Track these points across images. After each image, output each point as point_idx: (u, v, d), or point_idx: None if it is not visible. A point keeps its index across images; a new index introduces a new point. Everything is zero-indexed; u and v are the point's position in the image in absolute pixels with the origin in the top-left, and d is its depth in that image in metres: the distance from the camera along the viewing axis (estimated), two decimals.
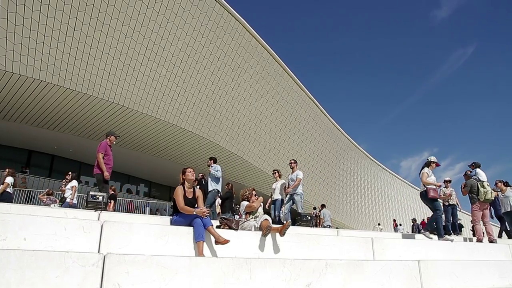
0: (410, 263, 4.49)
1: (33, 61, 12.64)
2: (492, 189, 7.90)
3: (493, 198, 7.89)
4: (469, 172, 8.64)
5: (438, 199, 7.15)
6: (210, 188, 9.15)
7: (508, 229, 9.95)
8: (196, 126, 17.88)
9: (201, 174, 10.76)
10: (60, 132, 17.35)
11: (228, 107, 18.86)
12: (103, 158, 7.17)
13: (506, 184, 8.70)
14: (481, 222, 7.84)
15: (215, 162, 9.49)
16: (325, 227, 14.33)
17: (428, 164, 7.24)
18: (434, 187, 6.96)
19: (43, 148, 20.07)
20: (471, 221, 7.97)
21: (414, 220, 20.59)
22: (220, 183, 9.32)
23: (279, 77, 20.74)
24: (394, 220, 26.47)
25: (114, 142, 7.56)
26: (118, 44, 14.18)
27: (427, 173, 7.09)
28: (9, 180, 9.09)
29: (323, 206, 16.05)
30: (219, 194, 9.44)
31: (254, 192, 5.84)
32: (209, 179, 9.26)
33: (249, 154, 20.82)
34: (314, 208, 18.17)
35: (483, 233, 8.11)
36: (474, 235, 8.97)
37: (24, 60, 12.46)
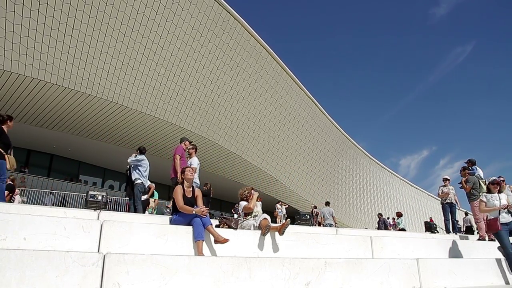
0: (408, 261, 4.51)
1: (32, 60, 12.62)
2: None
3: None
4: (468, 170, 8.64)
5: (500, 230, 5.41)
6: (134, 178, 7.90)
7: None
8: (194, 125, 17.88)
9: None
10: (59, 132, 17.33)
11: (227, 106, 18.87)
12: (179, 160, 7.10)
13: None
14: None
15: (141, 152, 8.31)
16: (324, 225, 14.20)
17: (487, 190, 6.03)
18: (494, 215, 5.62)
19: (42, 148, 20.06)
20: (475, 219, 7.93)
21: (380, 215, 19.36)
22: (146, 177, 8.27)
23: (278, 75, 20.75)
24: (394, 219, 26.47)
25: (190, 147, 7.50)
26: (117, 43, 14.16)
27: (484, 202, 5.91)
28: None
29: (327, 203, 15.61)
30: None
31: (252, 191, 5.81)
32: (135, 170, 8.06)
33: (248, 153, 20.83)
34: (315, 207, 18.08)
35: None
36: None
37: (23, 59, 12.44)
